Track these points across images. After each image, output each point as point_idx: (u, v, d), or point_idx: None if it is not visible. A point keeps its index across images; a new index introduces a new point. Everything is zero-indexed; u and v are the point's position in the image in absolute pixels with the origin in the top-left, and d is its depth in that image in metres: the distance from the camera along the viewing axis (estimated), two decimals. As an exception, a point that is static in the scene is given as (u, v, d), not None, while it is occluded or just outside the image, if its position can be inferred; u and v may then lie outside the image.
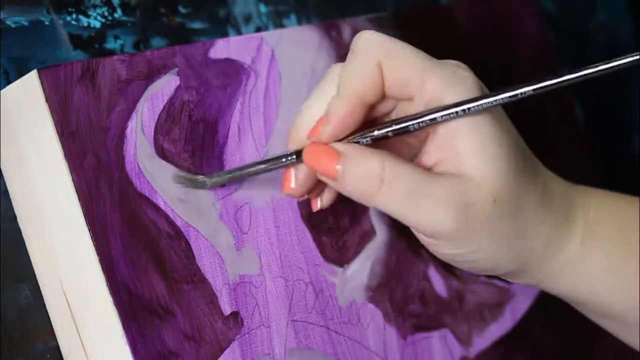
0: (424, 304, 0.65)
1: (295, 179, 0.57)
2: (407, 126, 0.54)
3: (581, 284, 0.58)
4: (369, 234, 0.64)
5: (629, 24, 0.92)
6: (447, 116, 0.53)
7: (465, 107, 0.53)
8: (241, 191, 0.60)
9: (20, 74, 0.57)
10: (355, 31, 0.67)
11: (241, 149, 0.60)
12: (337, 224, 0.63)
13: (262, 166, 0.57)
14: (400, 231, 0.65)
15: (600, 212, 0.58)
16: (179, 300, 0.56)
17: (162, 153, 0.57)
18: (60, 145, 0.54)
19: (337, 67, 0.56)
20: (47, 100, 0.54)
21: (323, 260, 0.62)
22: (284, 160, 0.56)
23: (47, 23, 0.60)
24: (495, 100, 0.53)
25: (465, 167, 0.54)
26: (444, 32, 0.72)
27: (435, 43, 0.71)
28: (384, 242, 0.65)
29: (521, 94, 0.53)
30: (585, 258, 0.57)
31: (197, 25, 0.66)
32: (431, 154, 0.55)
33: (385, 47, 0.54)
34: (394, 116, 0.56)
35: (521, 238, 0.56)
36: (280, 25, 0.70)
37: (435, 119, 0.53)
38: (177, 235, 0.57)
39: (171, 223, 0.57)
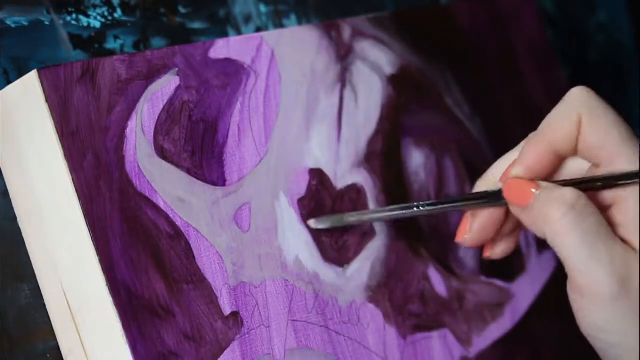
0: (424, 304, 0.65)
1: (470, 228, 0.57)
2: (586, 185, 0.54)
3: None
4: (369, 234, 0.64)
5: (629, 24, 0.92)
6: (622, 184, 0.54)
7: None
8: (241, 191, 0.60)
9: (20, 74, 0.57)
10: (355, 31, 0.67)
11: (241, 149, 0.60)
12: (337, 224, 0.63)
13: (405, 211, 0.59)
14: (400, 231, 0.65)
15: None
16: (179, 300, 0.56)
17: (162, 153, 0.57)
18: (60, 145, 0.54)
19: (533, 134, 0.57)
20: (47, 100, 0.54)
21: (323, 260, 0.62)
22: (475, 201, 0.57)
23: (47, 23, 0.60)
24: None
25: (634, 238, 0.53)
26: (444, 32, 0.72)
27: (435, 43, 0.71)
28: (384, 242, 0.65)
29: None
30: None
31: (197, 25, 0.66)
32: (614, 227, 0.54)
33: (591, 103, 0.54)
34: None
35: None
36: (280, 25, 0.70)
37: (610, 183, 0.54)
38: (177, 235, 0.57)
39: (171, 223, 0.57)
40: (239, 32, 0.68)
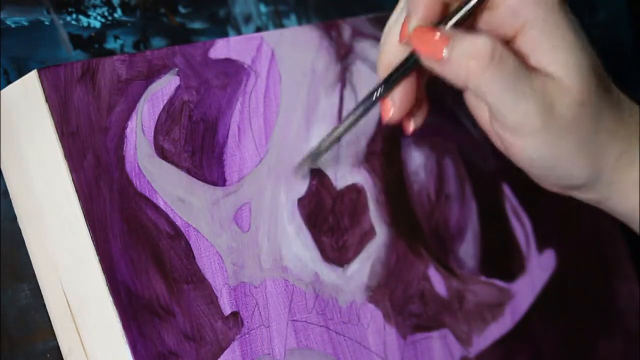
0: (424, 304, 0.65)
1: (393, 103, 0.57)
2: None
3: None
4: (369, 234, 0.64)
5: (629, 24, 0.92)
6: None
7: None
8: (241, 191, 0.60)
9: (20, 74, 0.57)
10: (355, 31, 0.67)
11: (241, 149, 0.60)
12: (337, 224, 0.63)
13: (360, 108, 0.58)
14: (400, 231, 0.65)
15: None
16: (179, 300, 0.56)
17: (162, 153, 0.57)
18: (60, 145, 0.54)
19: None
20: (47, 100, 0.54)
21: (323, 260, 0.62)
22: (378, 90, 0.57)
23: (47, 23, 0.60)
24: None
25: (553, 69, 0.55)
26: (444, 32, 0.72)
27: (435, 43, 0.71)
28: (384, 242, 0.65)
29: None
30: None
31: (197, 25, 0.66)
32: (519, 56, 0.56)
33: None
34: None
35: (599, 145, 0.56)
36: (280, 25, 0.70)
37: None
38: (177, 235, 0.57)
39: (171, 223, 0.57)
40: (239, 32, 0.68)
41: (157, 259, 0.56)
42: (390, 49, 0.57)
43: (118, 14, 0.63)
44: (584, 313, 0.64)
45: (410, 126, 0.60)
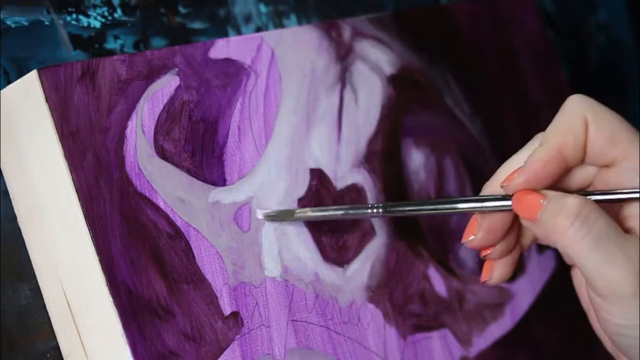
0: (424, 304, 0.65)
1: (479, 227, 0.56)
2: (618, 200, 0.54)
3: None
4: (369, 234, 0.64)
5: (629, 24, 0.92)
6: None
7: None
8: (241, 191, 0.60)
9: (20, 74, 0.57)
10: (355, 31, 0.67)
11: (241, 149, 0.60)
12: (337, 224, 0.63)
13: (460, 206, 0.57)
14: (400, 231, 0.65)
15: None
16: (179, 300, 0.56)
17: (162, 153, 0.57)
18: (60, 145, 0.54)
19: (540, 134, 0.56)
20: (47, 100, 0.54)
21: (323, 260, 0.62)
22: (480, 204, 0.56)
23: (47, 23, 0.60)
24: None
25: None
26: (444, 32, 0.72)
27: (435, 43, 0.71)
28: (384, 242, 0.65)
29: None
30: None
31: (197, 25, 0.66)
32: (621, 221, 0.55)
33: (594, 107, 0.54)
34: (592, 189, 0.56)
35: None
36: (280, 25, 0.70)
37: None
38: (177, 235, 0.57)
39: (171, 223, 0.57)
40: (239, 32, 0.68)
41: (157, 259, 0.56)
42: (494, 183, 0.56)
43: (118, 14, 0.63)
44: (584, 313, 0.64)
45: (486, 274, 0.58)
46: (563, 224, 0.52)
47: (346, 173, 0.64)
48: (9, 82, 0.57)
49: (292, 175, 0.62)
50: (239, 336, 0.57)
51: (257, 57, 0.62)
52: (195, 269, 0.57)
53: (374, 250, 0.64)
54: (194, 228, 0.57)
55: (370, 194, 0.65)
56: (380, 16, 0.68)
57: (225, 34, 0.67)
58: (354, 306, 0.62)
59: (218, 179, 0.59)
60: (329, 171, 0.63)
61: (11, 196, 0.57)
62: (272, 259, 0.60)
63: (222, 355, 0.57)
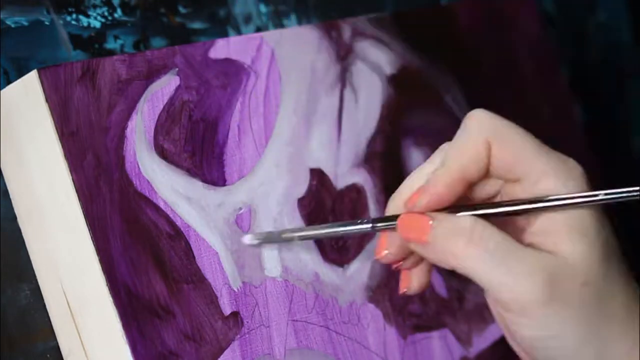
0: (424, 304, 0.65)
1: (388, 245, 0.55)
2: (515, 210, 0.53)
3: None
4: (369, 234, 0.64)
5: (629, 24, 0.92)
6: (556, 207, 0.53)
7: (576, 201, 0.52)
8: (241, 191, 0.60)
9: (20, 74, 0.57)
10: (355, 31, 0.67)
11: (241, 149, 0.60)
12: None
13: (352, 227, 0.56)
14: (400, 231, 0.65)
15: None
16: (179, 300, 0.56)
17: (162, 153, 0.57)
18: (60, 145, 0.54)
19: (446, 145, 0.55)
20: (47, 100, 0.54)
21: (323, 260, 0.62)
22: (379, 225, 0.55)
23: (47, 23, 0.60)
24: (607, 199, 0.52)
25: (560, 247, 0.52)
26: (444, 32, 0.72)
27: (435, 43, 0.71)
28: (384, 242, 0.64)
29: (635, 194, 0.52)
30: None
31: (197, 25, 0.66)
32: (523, 227, 0.54)
33: (496, 126, 0.54)
34: (497, 199, 0.55)
35: (605, 332, 0.53)
36: (280, 25, 0.70)
37: (544, 207, 0.53)
38: (177, 235, 0.57)
39: (171, 223, 0.57)
40: (239, 32, 0.68)
41: (157, 259, 0.56)
42: (398, 199, 0.55)
43: (118, 14, 0.63)
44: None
45: (404, 284, 0.57)
46: (457, 245, 0.52)
47: (346, 173, 0.64)
48: (9, 82, 0.57)
49: (292, 175, 0.62)
50: (238, 336, 0.57)
51: (257, 57, 0.62)
52: (195, 269, 0.57)
53: (374, 250, 0.64)
54: (194, 228, 0.57)
55: (370, 194, 0.65)
56: (380, 16, 0.68)
57: (225, 34, 0.67)
58: (354, 306, 0.62)
59: (218, 179, 0.59)
60: (329, 171, 0.63)
61: (11, 196, 0.57)
62: (272, 259, 0.60)
63: (222, 355, 0.57)
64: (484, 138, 0.54)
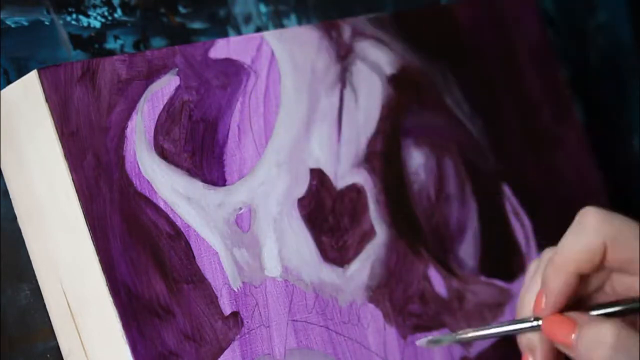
0: (424, 304, 0.65)
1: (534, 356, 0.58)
2: None
3: None
4: (369, 234, 0.64)
5: (629, 24, 0.92)
6: None
7: None
8: (241, 191, 0.60)
9: (20, 74, 0.57)
10: (355, 31, 0.67)
11: (241, 149, 0.60)
12: (337, 224, 0.63)
13: (507, 328, 0.58)
14: (400, 231, 0.65)
15: None
16: (179, 300, 0.56)
17: (162, 153, 0.57)
18: (60, 145, 0.54)
19: (549, 252, 0.57)
20: (47, 100, 0.54)
21: (323, 260, 0.62)
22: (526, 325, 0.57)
23: (47, 23, 0.60)
24: None
25: None
26: (444, 32, 0.72)
27: (435, 43, 0.71)
28: (384, 242, 0.64)
29: None
30: None
31: (197, 25, 0.66)
32: None
33: (615, 226, 0.55)
34: (608, 288, 0.57)
35: None
36: (280, 25, 0.70)
37: None
38: (177, 235, 0.57)
39: (171, 223, 0.57)
40: (239, 32, 0.68)
41: (157, 259, 0.56)
42: (525, 313, 0.58)
43: (118, 14, 0.63)
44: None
45: None
46: (603, 355, 0.53)
47: (346, 173, 0.64)
48: (9, 82, 0.57)
49: (292, 175, 0.62)
50: (239, 336, 0.57)
51: (257, 57, 0.62)
52: (195, 269, 0.57)
53: (374, 250, 0.64)
54: (194, 228, 0.57)
55: (370, 194, 0.65)
56: (380, 16, 0.68)
57: (225, 34, 0.67)
58: (354, 306, 0.62)
59: (218, 179, 0.59)
60: (329, 171, 0.63)
61: (11, 196, 0.57)
62: (272, 259, 0.60)
63: (222, 355, 0.57)
64: (603, 239, 0.55)
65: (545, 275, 0.56)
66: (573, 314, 0.56)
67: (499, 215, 0.71)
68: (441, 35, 0.72)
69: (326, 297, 0.61)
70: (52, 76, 0.54)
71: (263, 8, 0.69)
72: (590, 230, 0.55)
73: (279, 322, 0.59)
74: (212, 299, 0.57)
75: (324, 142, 0.64)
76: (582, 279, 0.56)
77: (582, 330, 0.54)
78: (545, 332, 0.56)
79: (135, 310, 0.54)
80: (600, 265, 0.56)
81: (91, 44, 0.62)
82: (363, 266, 0.63)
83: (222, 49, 0.61)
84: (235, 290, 0.58)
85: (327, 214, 0.63)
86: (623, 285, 0.56)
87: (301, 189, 0.62)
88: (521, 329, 0.58)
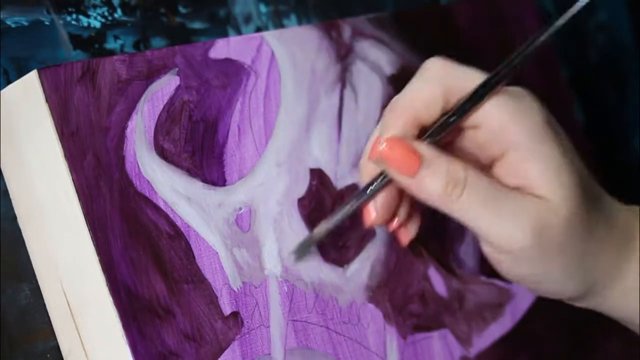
0: (424, 304, 0.65)
1: (375, 209, 0.56)
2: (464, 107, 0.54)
3: None
4: (369, 234, 0.64)
5: (629, 24, 0.92)
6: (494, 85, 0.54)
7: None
8: (241, 191, 0.60)
9: (20, 74, 0.57)
10: (355, 31, 0.67)
11: (241, 149, 0.60)
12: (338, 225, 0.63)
13: (356, 201, 0.56)
14: (400, 231, 0.65)
15: None
16: (179, 300, 0.56)
17: (162, 153, 0.57)
18: (60, 146, 0.54)
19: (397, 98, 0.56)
20: (47, 100, 0.54)
21: (323, 260, 0.62)
22: (371, 188, 0.56)
23: (47, 23, 0.60)
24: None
25: (541, 191, 0.54)
26: (444, 32, 0.72)
27: (435, 43, 0.71)
28: (384, 242, 0.65)
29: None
30: None
31: (197, 25, 0.66)
32: (502, 180, 0.55)
33: (457, 77, 0.55)
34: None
35: (590, 262, 0.56)
36: (280, 25, 0.70)
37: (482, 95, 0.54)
38: (177, 235, 0.57)
39: (171, 223, 0.57)
40: (239, 32, 0.68)
41: (157, 259, 0.56)
42: (368, 163, 0.57)
43: (118, 14, 0.63)
44: (584, 313, 0.64)
45: (405, 237, 0.59)
46: (449, 194, 0.53)
47: (346, 173, 0.64)
48: (9, 82, 0.57)
49: (292, 175, 0.62)
50: (239, 336, 0.58)
51: (257, 57, 0.62)
52: (195, 269, 0.57)
53: (374, 250, 0.64)
54: (194, 228, 0.57)
55: (370, 194, 0.65)
56: (380, 16, 0.68)
57: (225, 34, 0.67)
58: (354, 306, 0.62)
59: (218, 179, 0.59)
60: (329, 171, 0.63)
61: (11, 196, 0.57)
62: (272, 259, 0.60)
63: (222, 355, 0.57)
64: (441, 87, 0.55)
65: (385, 120, 0.55)
66: (419, 146, 0.54)
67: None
68: (441, 35, 0.72)
69: (326, 297, 0.61)
70: (52, 76, 0.54)
71: (263, 8, 0.69)
72: (433, 78, 0.55)
73: (279, 322, 0.59)
74: (212, 299, 0.57)
75: (324, 142, 0.64)
76: (419, 128, 0.55)
77: (432, 162, 0.53)
78: (385, 155, 0.53)
79: (135, 310, 0.54)
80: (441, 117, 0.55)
81: (91, 44, 0.62)
82: (363, 266, 0.63)
83: (222, 49, 0.61)
84: (235, 290, 0.58)
85: (327, 214, 0.63)
86: (474, 140, 0.56)
87: (301, 189, 0.62)
88: (371, 191, 0.56)
